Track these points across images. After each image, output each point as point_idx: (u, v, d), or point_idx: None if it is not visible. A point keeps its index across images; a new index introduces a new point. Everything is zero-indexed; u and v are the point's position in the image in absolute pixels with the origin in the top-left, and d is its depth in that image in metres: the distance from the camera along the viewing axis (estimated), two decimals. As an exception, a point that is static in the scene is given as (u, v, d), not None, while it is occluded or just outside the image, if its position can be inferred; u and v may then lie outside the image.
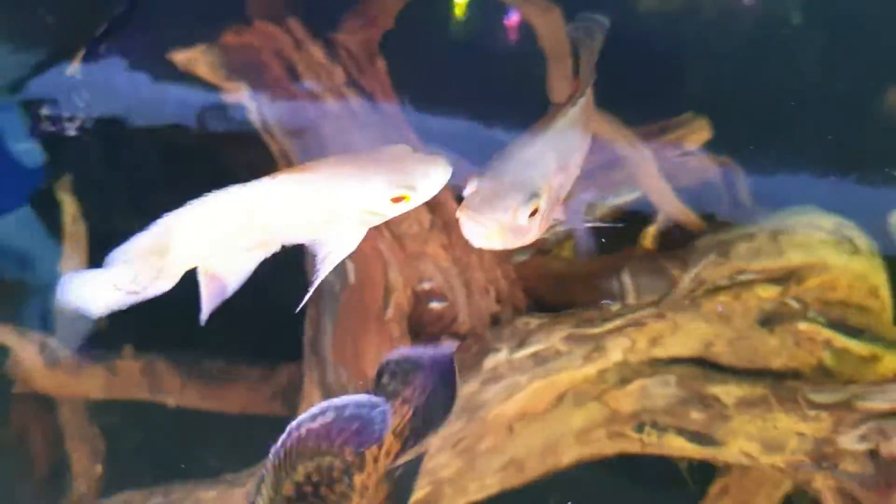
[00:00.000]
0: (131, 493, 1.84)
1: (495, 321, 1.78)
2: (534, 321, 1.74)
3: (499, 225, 1.27)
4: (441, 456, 1.68)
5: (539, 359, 1.69)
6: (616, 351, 1.68)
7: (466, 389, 1.69)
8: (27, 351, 1.91)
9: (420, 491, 1.69)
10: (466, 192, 1.30)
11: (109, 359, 1.95)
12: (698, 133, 1.82)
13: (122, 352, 1.94)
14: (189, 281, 1.87)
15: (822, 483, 1.60)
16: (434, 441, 1.68)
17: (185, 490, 1.80)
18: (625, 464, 1.79)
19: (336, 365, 1.77)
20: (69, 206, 1.98)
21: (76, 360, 1.94)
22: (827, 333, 1.65)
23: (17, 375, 1.93)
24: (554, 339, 1.70)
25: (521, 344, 1.71)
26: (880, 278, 1.69)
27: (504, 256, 1.80)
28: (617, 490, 1.85)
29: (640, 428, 1.70)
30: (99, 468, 1.94)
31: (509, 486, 1.71)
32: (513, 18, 2.01)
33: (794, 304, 1.67)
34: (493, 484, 1.70)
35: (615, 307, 1.72)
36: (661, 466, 1.83)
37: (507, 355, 1.70)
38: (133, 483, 1.85)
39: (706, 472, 1.80)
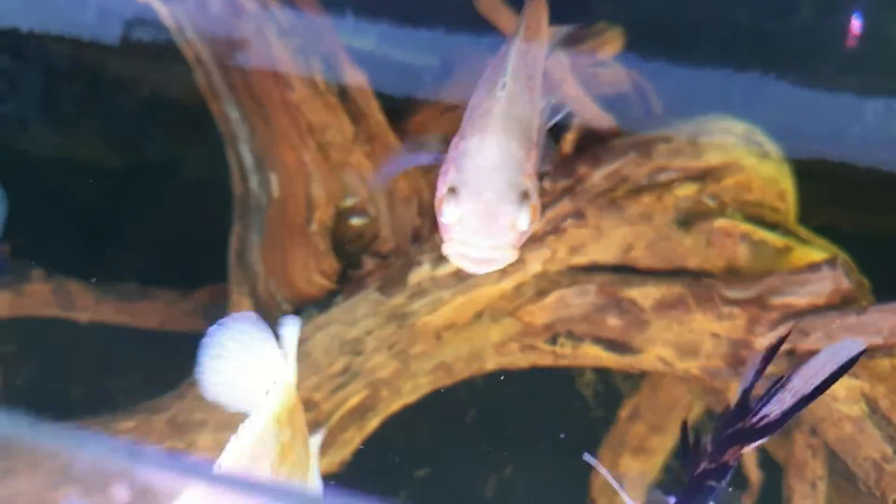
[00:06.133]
0: (34, 427, 1.76)
1: (416, 236, 1.80)
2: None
3: (502, 248, 1.20)
4: (378, 356, 1.72)
5: (460, 276, 1.72)
6: (535, 263, 1.72)
7: (393, 301, 1.72)
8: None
9: (358, 395, 1.72)
10: (446, 220, 1.20)
11: (17, 283, 1.90)
12: (612, 43, 1.84)
13: (32, 276, 1.89)
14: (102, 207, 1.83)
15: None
16: (370, 343, 1.71)
17: (100, 423, 1.75)
18: (532, 392, 1.86)
19: (266, 276, 1.77)
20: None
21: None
22: (745, 227, 1.70)
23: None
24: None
25: (442, 258, 1.73)
26: (787, 183, 1.77)
27: (428, 168, 1.81)
28: (524, 420, 1.91)
29: (553, 340, 1.75)
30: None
31: (440, 386, 1.77)
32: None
33: (711, 203, 1.73)
34: (425, 384, 1.76)
35: None
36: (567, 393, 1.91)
37: (430, 270, 1.73)
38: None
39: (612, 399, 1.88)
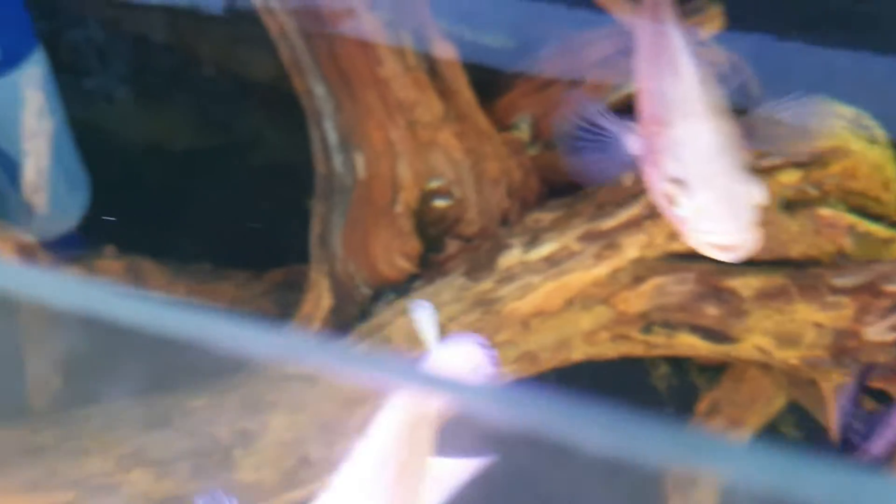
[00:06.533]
0: (105, 406, 1.70)
1: (505, 219, 1.74)
2: (546, 217, 1.70)
3: (749, 229, 1.20)
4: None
5: (552, 261, 1.66)
6: (632, 249, 1.65)
7: (480, 287, 1.66)
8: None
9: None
10: (682, 213, 1.20)
11: (89, 259, 1.86)
12: (711, 22, 1.77)
13: (104, 252, 1.85)
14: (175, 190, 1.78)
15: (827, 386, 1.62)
16: (453, 329, 1.65)
17: (172, 399, 1.69)
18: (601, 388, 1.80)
19: (345, 257, 1.72)
20: (34, 101, 1.83)
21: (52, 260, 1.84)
22: (850, 219, 1.64)
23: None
24: (568, 237, 1.66)
25: (533, 241, 1.68)
26: (893, 170, 1.70)
27: (519, 148, 1.76)
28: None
29: (647, 329, 1.69)
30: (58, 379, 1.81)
31: (524, 376, 1.71)
32: None
33: (814, 191, 1.66)
34: (508, 374, 1.69)
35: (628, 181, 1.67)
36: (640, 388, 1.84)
37: (521, 254, 1.67)
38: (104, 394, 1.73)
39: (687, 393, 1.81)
